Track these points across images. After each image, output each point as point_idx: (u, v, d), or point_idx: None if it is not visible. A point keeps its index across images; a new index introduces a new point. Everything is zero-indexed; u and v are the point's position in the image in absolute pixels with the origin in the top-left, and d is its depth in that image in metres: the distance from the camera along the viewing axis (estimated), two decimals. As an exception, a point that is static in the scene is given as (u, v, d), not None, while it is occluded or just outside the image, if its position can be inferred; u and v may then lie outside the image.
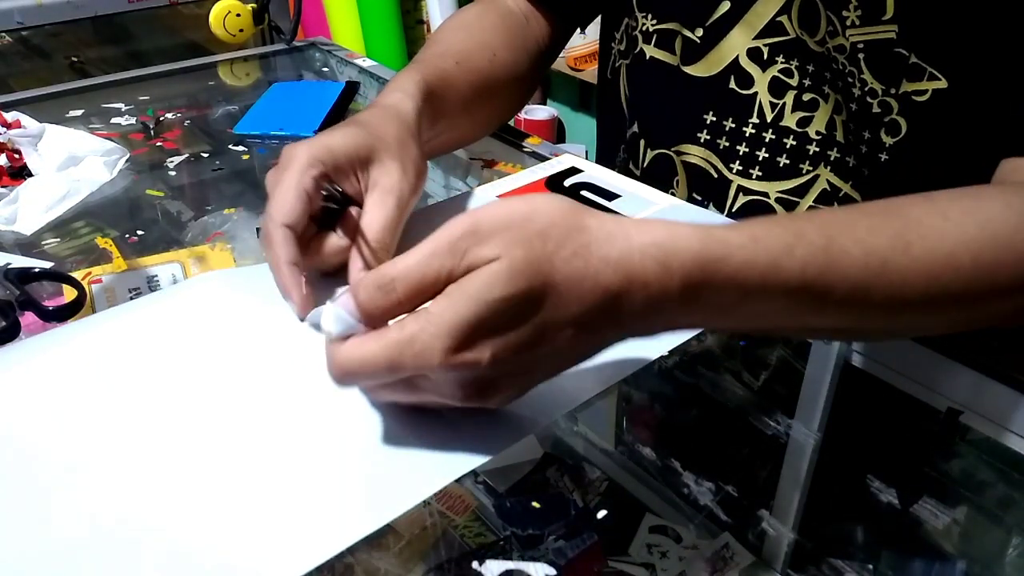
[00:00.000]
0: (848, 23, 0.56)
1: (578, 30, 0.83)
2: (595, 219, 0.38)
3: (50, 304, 0.50)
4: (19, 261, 0.60)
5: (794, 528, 0.56)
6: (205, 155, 0.81)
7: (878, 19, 0.55)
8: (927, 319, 0.43)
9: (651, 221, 0.38)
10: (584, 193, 0.62)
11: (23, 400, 0.41)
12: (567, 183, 0.64)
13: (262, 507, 0.35)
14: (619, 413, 0.70)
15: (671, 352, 0.46)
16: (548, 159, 0.70)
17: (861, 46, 0.56)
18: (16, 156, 0.73)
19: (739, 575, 0.57)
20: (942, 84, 0.55)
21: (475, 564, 0.55)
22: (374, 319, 0.36)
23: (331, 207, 0.50)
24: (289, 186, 0.48)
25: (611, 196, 0.62)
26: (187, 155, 0.80)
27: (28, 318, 0.49)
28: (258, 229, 0.52)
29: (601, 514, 0.62)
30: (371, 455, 0.38)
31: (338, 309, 0.36)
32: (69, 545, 0.33)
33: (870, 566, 0.56)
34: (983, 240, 0.42)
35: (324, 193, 0.49)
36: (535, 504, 0.64)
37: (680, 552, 0.58)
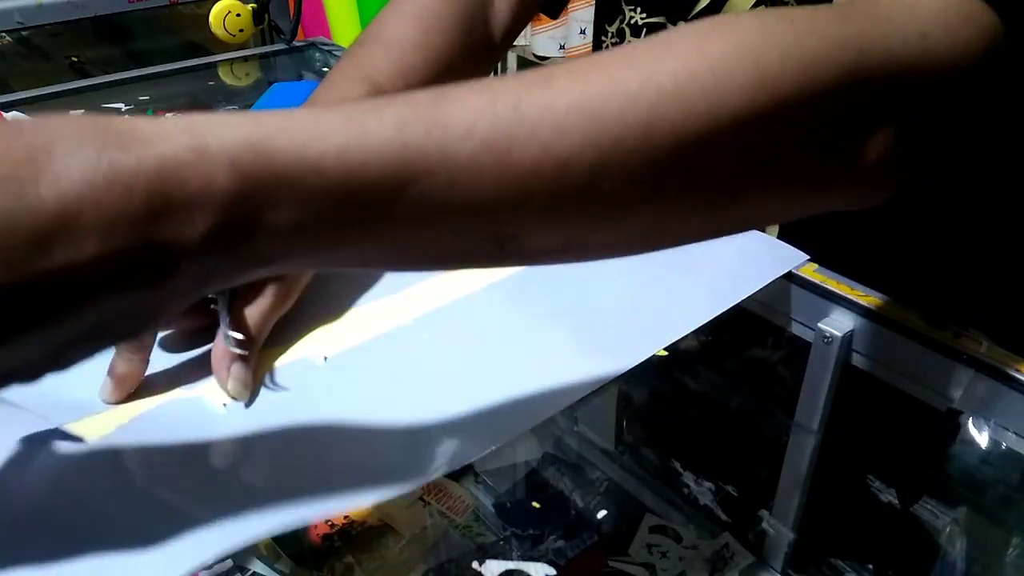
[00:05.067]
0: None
1: (579, 30, 0.83)
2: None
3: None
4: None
5: (794, 528, 0.56)
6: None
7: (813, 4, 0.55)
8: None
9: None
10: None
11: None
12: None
13: (254, 503, 0.36)
14: (619, 413, 0.70)
15: (671, 352, 0.46)
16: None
17: None
18: None
19: (739, 575, 0.57)
20: None
21: (475, 564, 0.55)
22: None
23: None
24: None
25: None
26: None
27: (28, 318, 0.49)
28: None
29: (601, 514, 0.62)
30: (359, 450, 0.39)
31: None
32: (49, 506, 0.33)
33: (870, 566, 0.56)
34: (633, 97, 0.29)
35: None
36: (535, 504, 0.64)
37: (680, 552, 0.58)
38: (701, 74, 0.30)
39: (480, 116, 0.29)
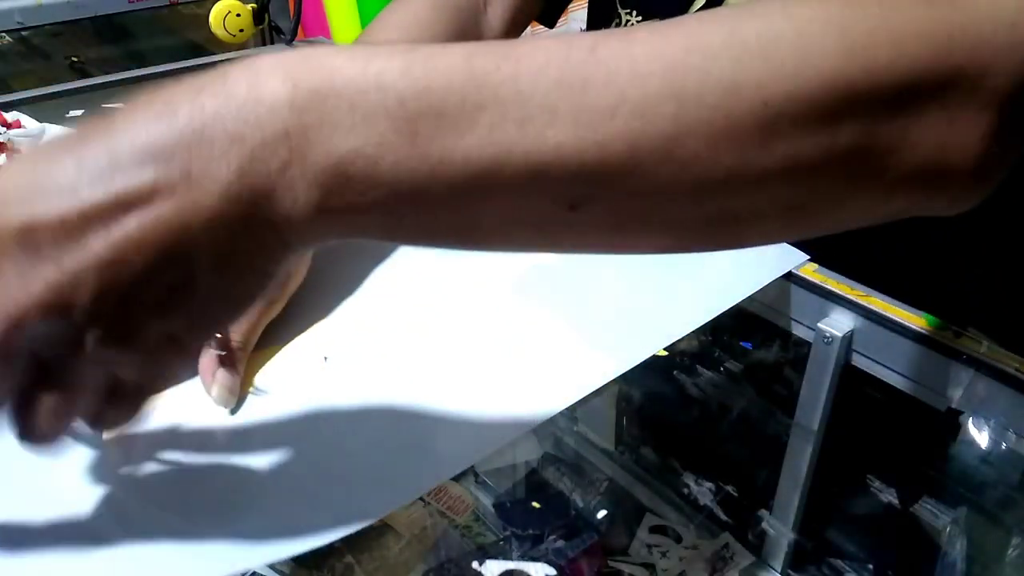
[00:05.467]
0: None
1: (578, 30, 0.83)
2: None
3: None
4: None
5: (794, 528, 0.56)
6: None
7: None
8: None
9: None
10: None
11: None
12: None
13: (255, 504, 0.35)
14: (619, 413, 0.70)
15: (671, 352, 0.46)
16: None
17: None
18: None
19: (739, 575, 0.57)
20: None
21: (475, 564, 0.55)
22: None
23: None
24: None
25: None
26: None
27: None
28: None
29: (601, 514, 0.62)
30: (364, 453, 0.39)
31: None
32: (52, 527, 0.33)
33: (870, 566, 0.56)
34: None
35: None
36: (535, 504, 0.64)
37: (680, 552, 0.58)
38: (788, 34, 0.28)
39: (554, 56, 0.27)
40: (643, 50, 0.27)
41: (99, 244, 0.25)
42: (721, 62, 0.27)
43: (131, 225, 0.25)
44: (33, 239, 0.25)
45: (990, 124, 0.30)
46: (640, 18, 0.68)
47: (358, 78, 0.26)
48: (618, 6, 0.70)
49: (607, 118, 0.27)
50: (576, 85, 0.26)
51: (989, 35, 0.30)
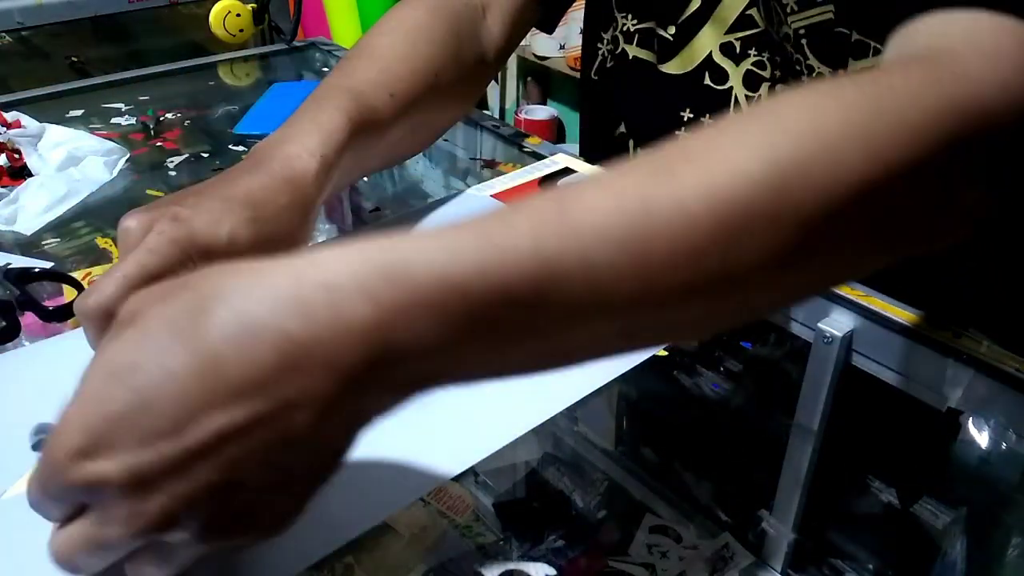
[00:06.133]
0: (788, 10, 0.57)
1: (578, 30, 0.83)
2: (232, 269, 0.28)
3: (50, 304, 0.50)
4: (19, 261, 0.60)
5: (794, 528, 0.56)
6: (205, 155, 0.81)
7: (813, 2, 0.55)
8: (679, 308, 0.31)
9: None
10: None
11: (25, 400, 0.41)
12: (561, 183, 0.64)
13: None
14: (619, 413, 0.70)
15: (671, 352, 0.46)
16: (545, 158, 0.70)
17: (803, 31, 0.57)
18: (16, 156, 0.73)
19: (739, 575, 0.57)
20: None
21: (475, 564, 0.55)
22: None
23: None
24: (124, 268, 0.38)
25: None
26: (187, 155, 0.80)
27: (28, 318, 0.49)
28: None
29: (601, 514, 0.62)
30: (364, 453, 0.38)
31: None
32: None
33: (870, 566, 0.56)
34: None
35: None
36: (535, 504, 0.64)
37: (680, 552, 0.58)
38: (819, 155, 0.31)
39: (610, 218, 0.29)
40: (693, 194, 0.30)
41: (206, 472, 0.26)
42: (762, 191, 0.30)
43: (234, 452, 0.26)
44: (140, 481, 0.26)
45: (990, 185, 0.35)
46: (636, 21, 0.68)
47: (439, 288, 0.27)
48: (615, 10, 0.70)
49: (667, 267, 0.29)
50: (636, 245, 0.29)
51: (990, 103, 0.34)
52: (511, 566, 0.55)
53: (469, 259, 0.27)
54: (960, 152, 0.33)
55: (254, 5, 1.00)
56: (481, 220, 0.29)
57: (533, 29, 0.77)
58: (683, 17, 0.63)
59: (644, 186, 0.30)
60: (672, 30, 0.64)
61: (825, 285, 0.38)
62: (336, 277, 0.27)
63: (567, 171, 0.66)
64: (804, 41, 0.57)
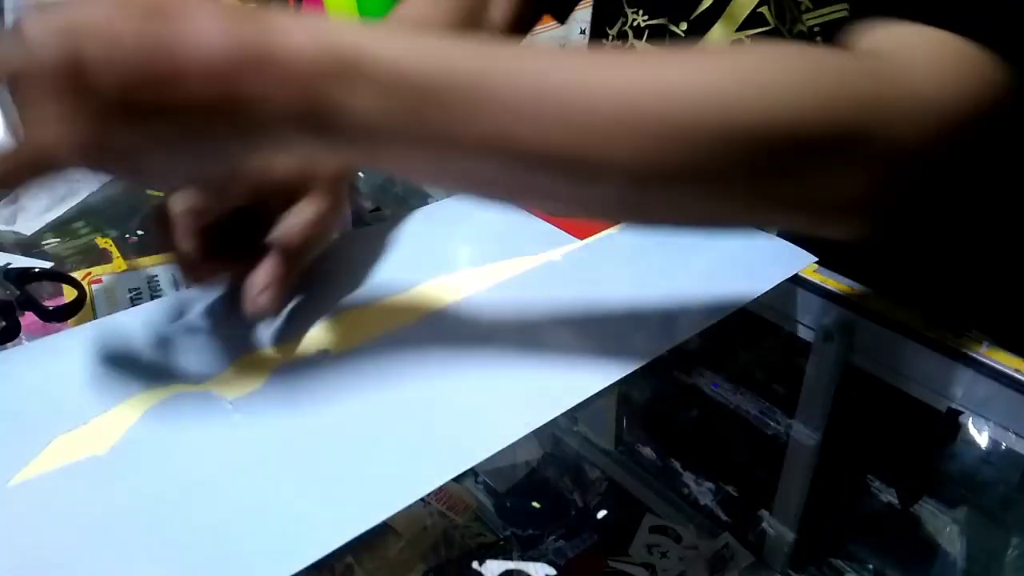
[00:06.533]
0: (803, 8, 0.57)
1: (579, 30, 0.83)
2: None
3: (50, 304, 0.50)
4: (19, 261, 0.60)
5: (794, 528, 0.56)
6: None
7: (828, 0, 0.56)
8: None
9: None
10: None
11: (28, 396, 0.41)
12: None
13: (259, 502, 0.35)
14: (619, 413, 0.70)
15: (671, 352, 0.46)
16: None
17: (818, 29, 0.57)
18: None
19: (739, 575, 0.57)
20: None
21: (475, 564, 0.55)
22: None
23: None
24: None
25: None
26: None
27: (28, 318, 0.49)
28: None
29: (601, 514, 0.62)
30: (363, 455, 0.39)
31: None
32: (60, 538, 0.33)
33: (870, 566, 0.56)
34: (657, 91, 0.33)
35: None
36: (535, 504, 0.64)
37: (680, 552, 0.58)
38: (738, 90, 0.34)
39: (543, 66, 0.34)
40: (613, 79, 0.34)
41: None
42: (678, 102, 0.33)
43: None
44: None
45: (885, 178, 0.36)
46: (647, 17, 0.68)
47: (382, 49, 0.32)
48: (625, 5, 0.70)
49: (557, 130, 0.33)
50: (554, 99, 0.33)
51: (906, 109, 0.35)
52: (511, 566, 0.55)
53: (419, 41, 0.33)
54: (857, 141, 0.35)
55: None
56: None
57: (535, 30, 0.77)
58: (695, 13, 0.64)
59: (583, 63, 0.35)
60: (684, 26, 0.64)
61: (687, 219, 0.39)
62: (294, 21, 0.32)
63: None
64: (819, 39, 0.57)
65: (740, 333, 0.60)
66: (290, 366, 0.44)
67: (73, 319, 0.50)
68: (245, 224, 0.45)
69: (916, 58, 0.37)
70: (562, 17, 0.78)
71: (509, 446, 0.39)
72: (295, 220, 0.45)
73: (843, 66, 0.36)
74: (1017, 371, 0.43)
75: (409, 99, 0.32)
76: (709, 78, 0.34)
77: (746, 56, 0.36)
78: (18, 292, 0.49)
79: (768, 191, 0.36)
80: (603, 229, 0.55)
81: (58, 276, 0.55)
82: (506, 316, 0.47)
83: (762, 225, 0.38)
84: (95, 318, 0.51)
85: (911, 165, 0.36)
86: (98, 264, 0.61)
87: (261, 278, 0.43)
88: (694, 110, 0.33)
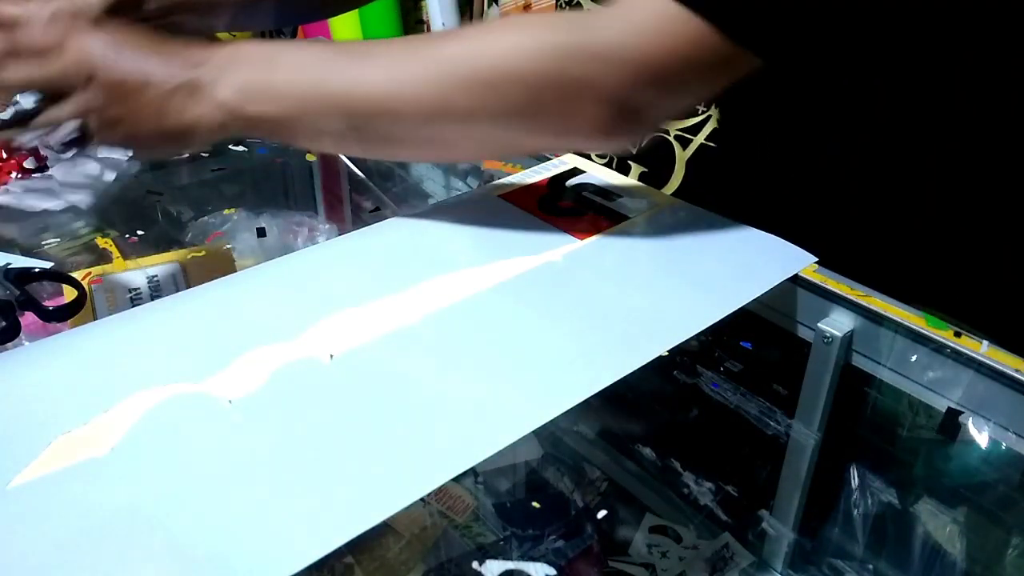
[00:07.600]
0: None
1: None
2: None
3: (50, 304, 0.50)
4: (19, 261, 0.60)
5: (794, 528, 0.56)
6: (205, 155, 0.81)
7: None
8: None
9: None
10: (585, 194, 0.62)
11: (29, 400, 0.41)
12: (569, 183, 0.64)
13: (259, 501, 0.35)
14: (619, 413, 0.70)
15: (671, 352, 0.46)
16: (551, 159, 0.70)
17: None
18: (44, 157, 0.74)
19: (739, 575, 0.57)
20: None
21: (475, 564, 0.55)
22: None
23: None
24: None
25: (613, 196, 0.62)
26: (187, 155, 0.80)
27: (28, 318, 0.49)
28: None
29: (601, 514, 0.62)
30: (363, 455, 0.39)
31: None
32: (60, 539, 0.33)
33: (870, 566, 0.56)
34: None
35: None
36: (535, 504, 0.64)
37: (680, 552, 0.58)
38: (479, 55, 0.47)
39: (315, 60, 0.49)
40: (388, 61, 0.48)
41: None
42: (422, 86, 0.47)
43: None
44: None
45: (609, 108, 0.45)
46: None
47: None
48: None
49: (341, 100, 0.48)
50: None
51: (605, 52, 0.45)
52: (511, 566, 0.55)
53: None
54: (582, 85, 0.45)
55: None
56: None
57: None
58: None
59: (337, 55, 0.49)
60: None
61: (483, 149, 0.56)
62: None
63: (575, 171, 0.66)
64: None
65: (740, 333, 0.60)
66: (290, 366, 0.43)
67: (73, 319, 0.50)
68: None
69: (621, 16, 0.45)
70: None
71: (509, 446, 0.39)
72: None
73: (570, 26, 0.46)
74: (1017, 371, 0.43)
75: (239, 127, 0.48)
76: (482, 45, 0.46)
77: (510, 27, 0.48)
78: (18, 292, 0.49)
79: (536, 124, 0.47)
80: (603, 229, 0.55)
81: (58, 276, 0.55)
82: (506, 316, 0.47)
83: (545, 150, 0.54)
84: (95, 318, 0.51)
85: (623, 101, 0.45)
86: (98, 264, 0.61)
87: None
88: (478, 67, 0.45)
